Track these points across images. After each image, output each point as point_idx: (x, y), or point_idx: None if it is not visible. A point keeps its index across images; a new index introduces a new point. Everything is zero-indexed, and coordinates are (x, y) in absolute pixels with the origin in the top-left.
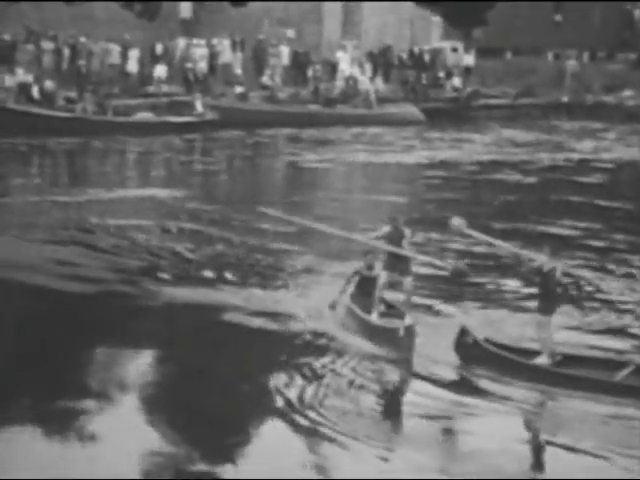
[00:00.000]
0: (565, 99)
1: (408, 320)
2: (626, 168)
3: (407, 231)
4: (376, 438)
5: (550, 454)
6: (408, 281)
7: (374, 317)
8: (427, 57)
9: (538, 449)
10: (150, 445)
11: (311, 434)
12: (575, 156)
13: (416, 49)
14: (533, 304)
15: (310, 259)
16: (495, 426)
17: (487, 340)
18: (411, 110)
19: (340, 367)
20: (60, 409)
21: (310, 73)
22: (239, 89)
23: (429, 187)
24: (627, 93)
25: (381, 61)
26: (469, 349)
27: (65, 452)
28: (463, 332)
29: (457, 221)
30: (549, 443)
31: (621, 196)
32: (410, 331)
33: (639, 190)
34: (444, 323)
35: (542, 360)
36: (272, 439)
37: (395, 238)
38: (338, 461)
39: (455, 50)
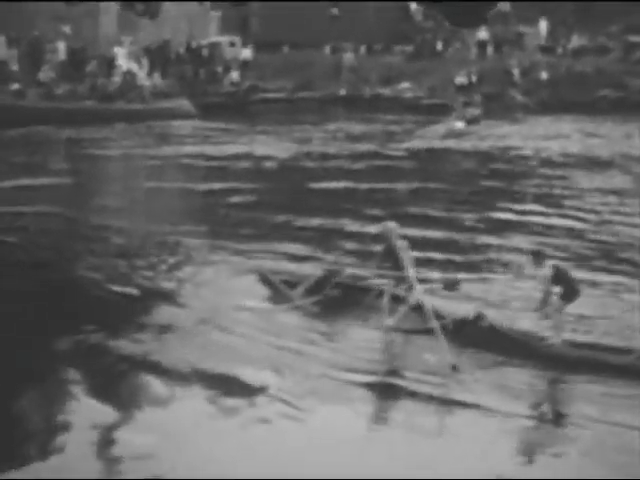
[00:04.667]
0: (343, 92)
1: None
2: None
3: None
4: None
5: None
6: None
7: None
8: (205, 52)
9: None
10: None
11: None
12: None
13: (194, 44)
14: None
15: None
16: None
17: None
18: (184, 104)
19: None
20: None
21: (87, 69)
22: (15, 86)
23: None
24: (404, 85)
25: (159, 56)
26: (485, 334)
27: None
28: (478, 317)
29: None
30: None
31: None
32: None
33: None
34: None
35: (556, 341)
36: None
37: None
38: None
39: (233, 44)
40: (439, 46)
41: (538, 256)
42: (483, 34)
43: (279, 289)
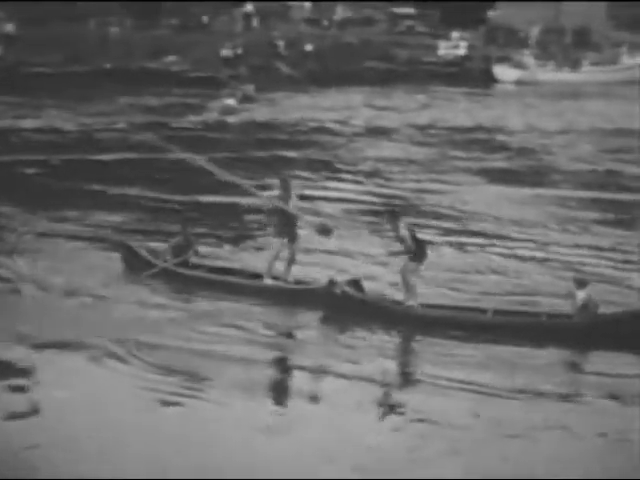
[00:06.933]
0: (109, 65)
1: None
2: None
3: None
4: None
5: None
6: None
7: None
8: None
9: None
10: None
11: None
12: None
13: None
14: None
15: None
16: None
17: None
18: None
19: None
20: None
21: None
22: None
23: None
24: (170, 58)
25: None
26: (337, 299)
27: None
28: (331, 283)
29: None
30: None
31: None
32: None
33: None
34: None
35: (412, 304)
36: None
37: (285, 199)
38: None
39: None
40: (205, 19)
41: (393, 215)
42: (249, 7)
43: (143, 257)
